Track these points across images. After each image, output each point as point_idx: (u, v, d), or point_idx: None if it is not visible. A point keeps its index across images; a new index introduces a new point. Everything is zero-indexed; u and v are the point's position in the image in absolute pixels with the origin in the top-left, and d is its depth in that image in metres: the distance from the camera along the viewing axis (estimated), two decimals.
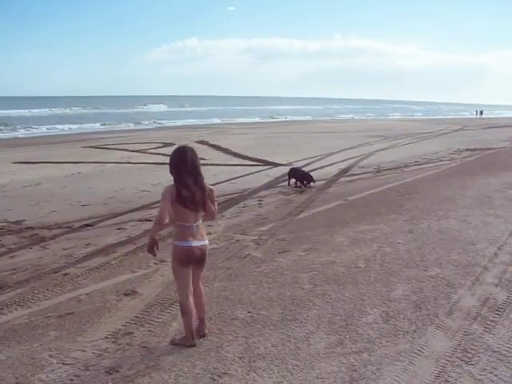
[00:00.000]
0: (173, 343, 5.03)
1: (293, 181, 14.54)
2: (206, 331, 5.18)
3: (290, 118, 71.68)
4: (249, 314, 5.64)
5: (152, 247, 4.75)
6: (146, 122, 55.70)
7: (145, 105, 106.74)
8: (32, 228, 10.36)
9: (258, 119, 63.51)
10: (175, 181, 4.75)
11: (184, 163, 4.74)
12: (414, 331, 5.08)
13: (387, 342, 4.89)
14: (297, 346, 4.87)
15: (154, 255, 4.87)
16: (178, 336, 5.13)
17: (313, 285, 6.45)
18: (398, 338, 4.95)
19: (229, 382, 4.29)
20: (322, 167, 18.04)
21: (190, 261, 4.84)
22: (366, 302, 5.86)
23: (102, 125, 52.10)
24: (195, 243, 4.82)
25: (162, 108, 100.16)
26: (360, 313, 5.56)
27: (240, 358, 4.69)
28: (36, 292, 6.69)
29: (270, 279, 6.74)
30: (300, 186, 14.25)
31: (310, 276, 6.77)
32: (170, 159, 4.84)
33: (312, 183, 14.34)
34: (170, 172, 4.82)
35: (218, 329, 5.29)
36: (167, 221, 4.73)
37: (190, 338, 4.98)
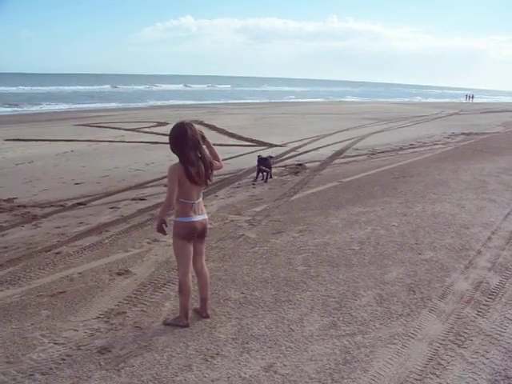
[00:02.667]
0: (165, 323, 5.02)
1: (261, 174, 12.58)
2: (209, 312, 5.18)
3: (285, 99, 71.46)
4: (242, 295, 5.63)
5: (161, 227, 4.80)
6: (145, 100, 55.44)
7: (145, 84, 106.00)
8: (24, 206, 10.28)
9: (253, 100, 63.20)
10: (180, 158, 4.73)
11: (185, 139, 4.71)
12: (408, 314, 5.09)
13: (381, 324, 4.89)
14: (290, 327, 4.86)
15: (165, 234, 4.91)
16: (171, 316, 5.12)
17: (307, 266, 6.44)
18: (391, 321, 4.95)
19: (222, 362, 4.28)
20: (317, 149, 17.97)
21: (192, 235, 4.87)
22: (359, 284, 5.86)
23: (96, 103, 51.78)
24: (196, 218, 4.85)
25: (156, 87, 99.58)
26: (354, 295, 5.56)
27: (233, 339, 4.68)
28: (28, 271, 6.64)
29: (263, 260, 6.72)
30: (263, 179, 12.44)
31: (303, 257, 6.76)
32: (171, 137, 4.78)
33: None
34: (172, 150, 4.79)
35: (212, 309, 5.27)
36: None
37: (184, 319, 4.97)
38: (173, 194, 4.70)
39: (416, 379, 4.01)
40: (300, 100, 66.63)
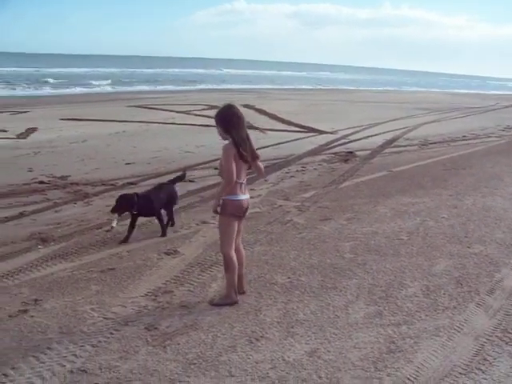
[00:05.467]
0: (212, 304, 5.09)
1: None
2: (246, 288, 5.29)
3: (337, 86, 70.73)
4: (288, 280, 5.65)
5: (217, 207, 4.95)
6: (196, 84, 55.74)
7: (196, 68, 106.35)
8: (77, 184, 10.53)
9: (304, 86, 62.73)
10: (234, 137, 4.82)
11: (237, 119, 4.86)
12: (454, 307, 5.03)
13: (426, 316, 4.85)
14: (335, 314, 4.87)
15: (218, 214, 5.03)
16: (217, 297, 5.18)
17: (354, 254, 6.42)
18: (437, 313, 4.91)
19: (266, 345, 4.32)
20: (367, 137, 17.78)
21: (240, 214, 5.02)
22: (406, 274, 5.82)
23: (149, 84, 52.49)
24: (244, 197, 5.00)
25: (208, 71, 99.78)
26: (400, 285, 5.52)
27: (278, 322, 4.71)
28: (79, 247, 6.82)
29: (311, 246, 6.73)
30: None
31: (351, 245, 6.74)
32: (224, 117, 4.90)
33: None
34: (225, 130, 4.88)
35: (258, 292, 5.32)
36: None
37: (234, 295, 5.07)
38: (233, 173, 4.80)
39: (461, 373, 3.96)
40: (352, 87, 65.83)
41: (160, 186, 7.74)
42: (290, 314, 4.87)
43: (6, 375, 3.92)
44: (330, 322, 4.73)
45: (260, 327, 4.62)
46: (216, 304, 5.08)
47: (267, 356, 4.15)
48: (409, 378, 3.86)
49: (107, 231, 7.20)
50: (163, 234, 7.22)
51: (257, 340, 4.41)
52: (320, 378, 3.86)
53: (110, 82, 52.46)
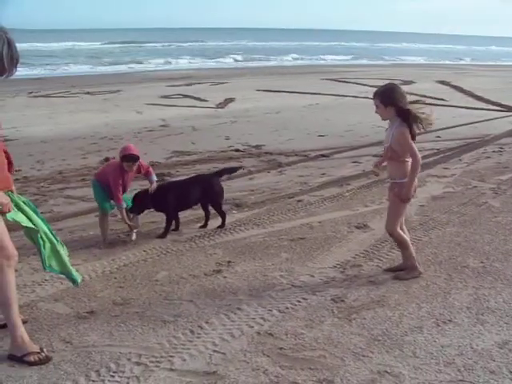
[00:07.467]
0: (397, 278, 5.01)
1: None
2: (444, 276, 5.13)
3: None
4: (481, 265, 5.32)
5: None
6: (387, 58, 54.77)
7: (385, 42, 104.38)
8: (271, 153, 10.83)
9: (506, 62, 58.48)
10: (405, 116, 4.76)
11: (405, 97, 4.83)
12: None
13: None
14: None
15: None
16: (403, 272, 5.07)
17: None
18: None
19: (453, 330, 4.10)
20: None
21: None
22: None
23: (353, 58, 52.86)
24: None
25: (401, 45, 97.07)
26: None
27: (467, 308, 4.46)
28: (271, 214, 7.00)
29: (506, 231, 6.28)
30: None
31: None
32: (397, 94, 4.82)
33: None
34: (400, 109, 4.78)
35: (448, 274, 5.08)
36: None
37: (417, 266, 5.04)
38: (418, 153, 4.77)
39: None
40: None
41: (193, 179, 6.95)
42: (481, 301, 4.58)
43: (201, 327, 4.18)
44: None
45: (448, 310, 4.41)
46: (401, 278, 5.00)
47: (454, 341, 3.94)
48: None
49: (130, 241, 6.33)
50: (162, 235, 6.35)
51: (444, 323, 4.21)
52: (511, 372, 3.58)
53: (300, 54, 53.44)
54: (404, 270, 5.06)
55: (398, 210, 5.02)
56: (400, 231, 5.03)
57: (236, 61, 47.04)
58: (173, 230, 6.48)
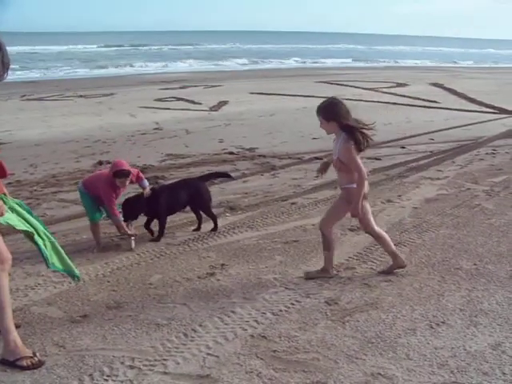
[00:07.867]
0: (384, 273, 5.18)
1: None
2: (438, 278, 5.13)
3: None
4: (474, 266, 5.34)
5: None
6: (382, 60, 54.97)
7: (376, 44, 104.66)
8: (264, 156, 10.85)
9: (497, 64, 58.57)
10: (350, 131, 4.80)
11: (347, 112, 4.89)
12: None
13: None
14: None
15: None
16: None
17: None
18: None
19: (447, 332, 4.12)
20: None
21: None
22: None
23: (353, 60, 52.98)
24: None
25: (395, 48, 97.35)
26: None
27: (461, 310, 4.47)
28: (265, 217, 7.01)
29: (500, 233, 6.30)
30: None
31: None
32: (338, 109, 4.90)
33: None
34: (342, 124, 4.85)
35: (441, 276, 5.09)
36: None
37: (328, 270, 5.15)
38: (362, 168, 4.84)
39: None
40: None
41: (180, 183, 6.83)
42: (474, 303, 4.60)
43: (194, 330, 4.19)
44: None
45: (442, 312, 4.43)
46: (388, 272, 5.15)
47: (447, 343, 3.96)
48: None
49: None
50: (156, 239, 6.32)
51: (437, 325, 4.22)
52: (504, 374, 3.58)
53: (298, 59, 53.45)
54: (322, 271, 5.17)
55: (338, 214, 5.16)
56: (331, 231, 5.16)
57: (238, 64, 47.05)
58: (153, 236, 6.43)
